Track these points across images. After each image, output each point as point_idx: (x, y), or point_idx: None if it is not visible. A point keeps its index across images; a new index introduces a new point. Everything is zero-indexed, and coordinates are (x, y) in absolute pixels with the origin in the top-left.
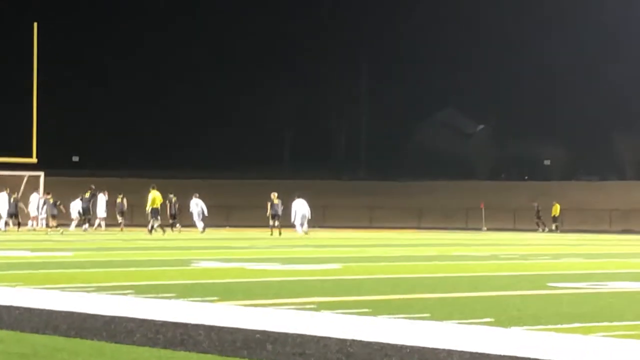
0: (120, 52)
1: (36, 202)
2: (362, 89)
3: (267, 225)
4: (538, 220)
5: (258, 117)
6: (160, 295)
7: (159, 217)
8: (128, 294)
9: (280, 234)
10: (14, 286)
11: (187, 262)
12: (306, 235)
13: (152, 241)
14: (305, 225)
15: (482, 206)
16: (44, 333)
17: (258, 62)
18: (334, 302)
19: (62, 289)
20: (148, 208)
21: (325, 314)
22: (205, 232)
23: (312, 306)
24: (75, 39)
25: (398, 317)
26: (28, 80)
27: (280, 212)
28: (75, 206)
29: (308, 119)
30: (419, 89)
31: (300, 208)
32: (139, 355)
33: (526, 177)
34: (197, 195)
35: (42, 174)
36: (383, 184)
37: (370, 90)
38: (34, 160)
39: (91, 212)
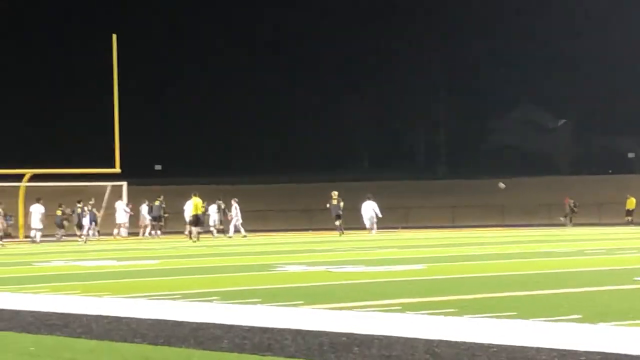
0: (199, 62)
1: (121, 211)
2: (439, 88)
3: (347, 228)
4: (568, 215)
5: (339, 119)
6: (245, 300)
7: (201, 225)
8: (214, 300)
9: (341, 234)
10: (102, 296)
11: (271, 267)
12: (372, 237)
13: (235, 247)
14: (374, 227)
15: (566, 201)
16: (132, 342)
17: (341, 66)
18: (419, 303)
19: (149, 297)
20: (190, 215)
21: (411, 315)
22: (235, 237)
23: (397, 308)
24: (155, 50)
25: (484, 316)
26: (109, 91)
27: (340, 212)
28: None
29: (387, 121)
30: (497, 85)
31: (366, 210)
32: None
33: (610, 171)
34: (236, 200)
35: (125, 183)
36: (464, 183)
37: (448, 89)
38: (117, 170)
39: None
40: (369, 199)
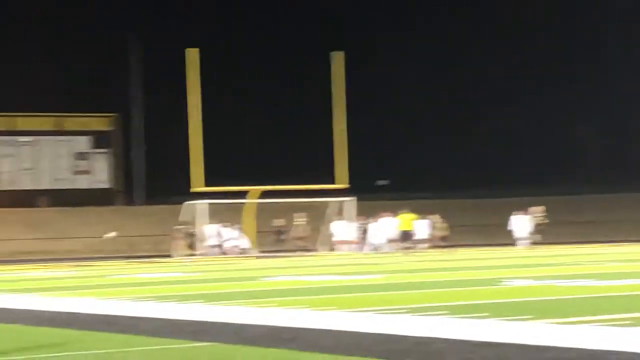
0: (422, 72)
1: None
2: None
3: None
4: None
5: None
6: (473, 315)
7: (409, 239)
8: (441, 314)
9: None
10: (327, 310)
11: (497, 281)
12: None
13: (458, 261)
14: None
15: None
16: (357, 355)
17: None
18: None
19: (375, 311)
20: (397, 230)
21: None
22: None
23: (628, 322)
24: (379, 66)
25: None
26: (327, 105)
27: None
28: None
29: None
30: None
31: (515, 224)
32: None
33: None
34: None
35: (354, 199)
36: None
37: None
38: (345, 185)
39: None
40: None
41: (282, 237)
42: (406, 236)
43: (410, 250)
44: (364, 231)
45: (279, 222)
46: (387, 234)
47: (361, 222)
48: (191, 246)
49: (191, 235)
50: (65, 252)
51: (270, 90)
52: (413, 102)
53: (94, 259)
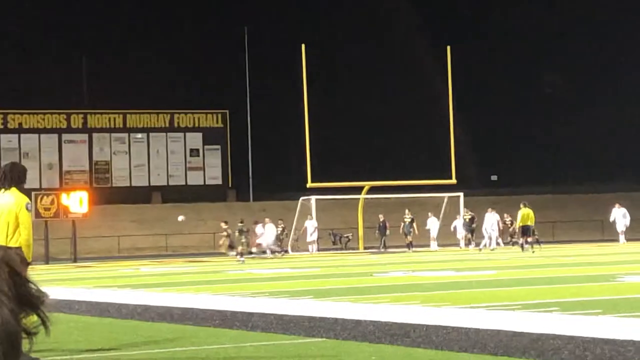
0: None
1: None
2: None
3: None
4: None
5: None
6: (586, 311)
7: (530, 234)
8: (553, 311)
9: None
10: (441, 306)
11: (611, 277)
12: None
13: (573, 257)
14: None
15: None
16: (471, 352)
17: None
18: None
19: (488, 307)
20: (517, 225)
21: None
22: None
23: None
24: (486, 62)
25: None
26: (443, 101)
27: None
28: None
29: None
30: None
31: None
32: None
33: None
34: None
35: (461, 194)
36: None
37: None
38: (453, 181)
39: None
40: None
41: (386, 232)
42: (526, 231)
43: (530, 246)
44: (471, 226)
45: (381, 217)
46: (492, 229)
47: (466, 217)
48: (231, 245)
49: (228, 235)
50: (179, 248)
51: (381, 87)
52: (521, 95)
53: (208, 254)
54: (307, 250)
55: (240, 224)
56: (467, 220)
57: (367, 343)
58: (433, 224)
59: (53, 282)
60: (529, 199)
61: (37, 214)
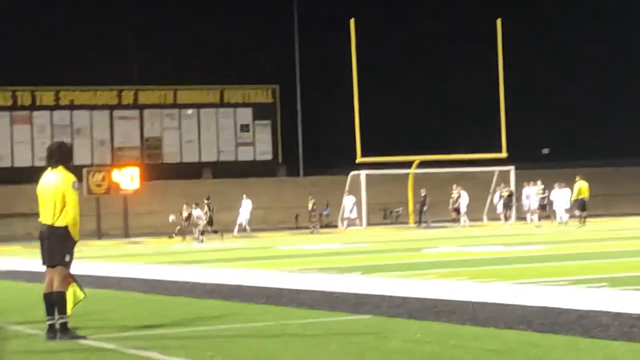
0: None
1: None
2: None
3: None
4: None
5: None
6: (636, 287)
7: (584, 209)
8: (602, 286)
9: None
10: (489, 282)
11: None
12: None
13: (626, 231)
14: None
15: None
16: (517, 329)
17: None
18: None
19: (536, 283)
20: (573, 198)
21: None
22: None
23: None
24: (539, 34)
25: None
26: (493, 74)
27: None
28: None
29: None
30: None
31: None
32: (613, 350)
33: None
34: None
35: (512, 168)
36: None
37: None
38: (503, 155)
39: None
40: None
41: (424, 208)
42: (581, 204)
43: (580, 219)
44: (509, 202)
45: (422, 192)
46: (561, 203)
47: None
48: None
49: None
50: (230, 224)
51: (432, 59)
52: (571, 68)
53: (258, 230)
54: (343, 226)
55: (206, 201)
56: (506, 196)
57: (413, 320)
58: (463, 198)
59: (104, 258)
60: (580, 173)
61: (89, 191)
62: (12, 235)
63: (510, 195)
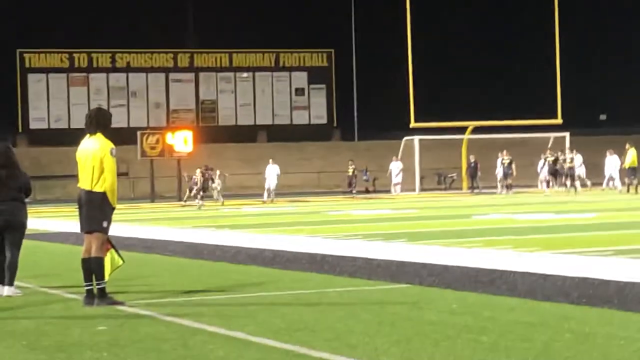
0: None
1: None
2: None
3: None
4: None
5: None
6: None
7: (635, 176)
8: None
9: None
10: (533, 251)
11: None
12: None
13: None
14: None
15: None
16: (555, 301)
17: None
18: None
19: (580, 253)
20: (625, 166)
21: None
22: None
23: None
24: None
25: None
26: (549, 39)
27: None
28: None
29: None
30: None
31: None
32: None
33: None
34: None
35: (567, 134)
36: None
37: None
38: (559, 121)
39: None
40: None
41: (477, 173)
42: (633, 172)
43: (635, 187)
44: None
45: (472, 158)
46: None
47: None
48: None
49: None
50: (284, 187)
51: (486, 22)
52: (627, 34)
53: (312, 193)
54: (390, 192)
55: (201, 169)
56: (551, 162)
57: (451, 290)
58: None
59: (156, 221)
60: (637, 139)
61: (143, 153)
62: (71, 196)
63: (555, 161)
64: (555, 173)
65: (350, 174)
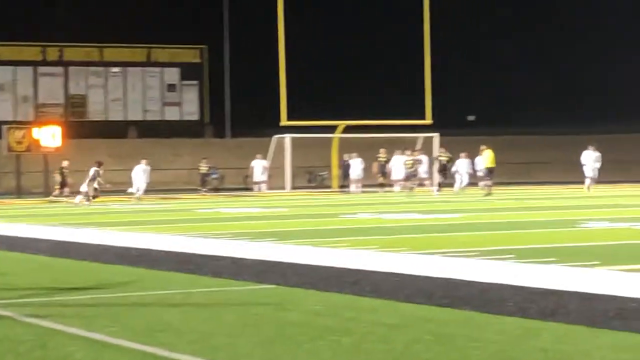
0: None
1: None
2: None
3: None
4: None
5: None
6: (541, 259)
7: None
8: (508, 258)
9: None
10: (399, 252)
11: (574, 223)
12: None
13: (541, 200)
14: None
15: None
16: (415, 302)
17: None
18: None
19: (444, 254)
20: (485, 167)
21: None
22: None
23: None
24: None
25: None
26: (419, 41)
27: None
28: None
29: None
30: None
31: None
32: (506, 326)
33: None
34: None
35: (436, 134)
36: None
37: None
38: (428, 121)
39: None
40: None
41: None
42: (490, 172)
43: (491, 188)
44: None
45: (346, 157)
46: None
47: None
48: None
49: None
50: (154, 184)
51: (359, 23)
52: (500, 36)
53: (183, 191)
54: (257, 190)
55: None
56: (444, 162)
57: (317, 291)
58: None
59: (20, 217)
60: (505, 140)
61: (9, 148)
62: None
63: (448, 161)
64: (444, 173)
65: (204, 172)
